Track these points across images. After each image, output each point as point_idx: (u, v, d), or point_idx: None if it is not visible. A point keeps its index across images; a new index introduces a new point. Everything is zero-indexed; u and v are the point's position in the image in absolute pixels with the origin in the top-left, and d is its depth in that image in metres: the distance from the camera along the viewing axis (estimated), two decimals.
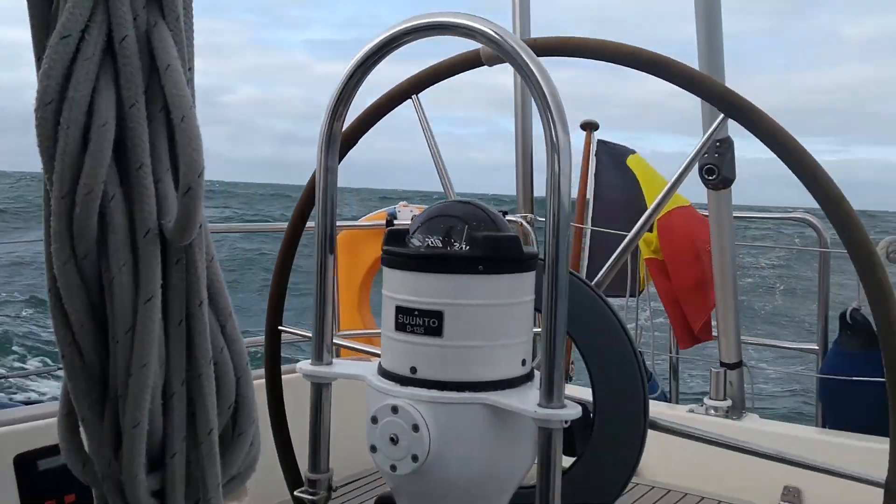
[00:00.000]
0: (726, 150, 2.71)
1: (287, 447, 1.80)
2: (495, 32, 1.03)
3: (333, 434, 1.25)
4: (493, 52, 1.41)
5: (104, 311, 0.72)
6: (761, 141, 1.22)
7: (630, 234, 1.42)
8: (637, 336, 3.62)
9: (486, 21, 1.05)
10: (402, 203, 4.37)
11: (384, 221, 4.10)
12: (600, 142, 4.10)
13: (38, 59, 0.70)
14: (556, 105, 0.99)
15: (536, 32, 3.16)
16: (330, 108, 1.18)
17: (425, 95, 1.59)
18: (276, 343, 1.79)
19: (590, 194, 3.98)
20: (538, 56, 1.01)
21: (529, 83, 1.00)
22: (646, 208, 3.67)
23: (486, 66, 1.50)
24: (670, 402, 3.58)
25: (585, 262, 3.82)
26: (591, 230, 3.90)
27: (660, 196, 1.41)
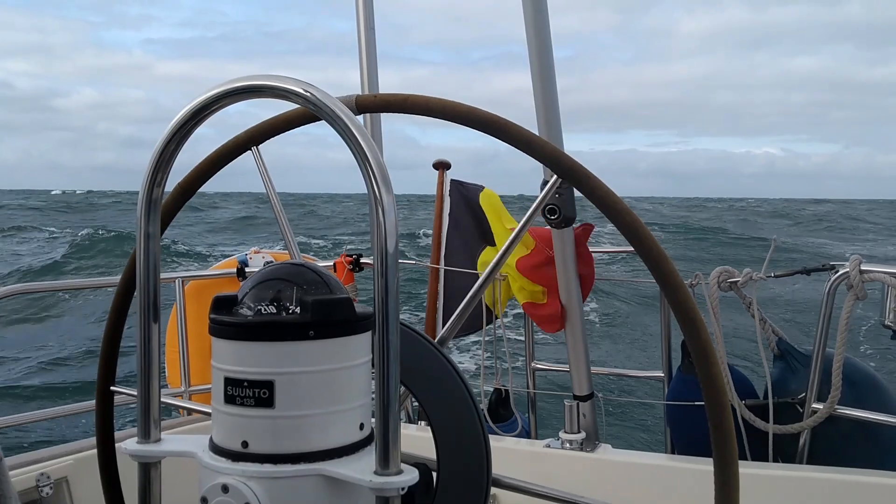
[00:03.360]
0: (566, 191, 2.84)
1: None
2: (310, 93, 1.02)
3: None
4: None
5: None
6: (591, 201, 1.28)
7: (474, 288, 1.43)
8: (497, 372, 3.68)
9: (302, 82, 1.03)
10: (253, 249, 4.26)
11: (234, 270, 3.98)
12: (453, 181, 4.19)
13: None
14: (377, 162, 0.98)
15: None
16: (148, 176, 1.13)
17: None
18: (109, 406, 1.63)
19: (444, 233, 4.04)
20: (377, 112, 1.01)
21: (349, 142, 0.99)
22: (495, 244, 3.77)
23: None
24: (529, 437, 3.66)
25: (441, 303, 3.86)
26: (445, 270, 3.96)
27: (502, 249, 1.44)
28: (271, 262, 4.00)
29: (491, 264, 1.43)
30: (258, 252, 4.20)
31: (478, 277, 3.38)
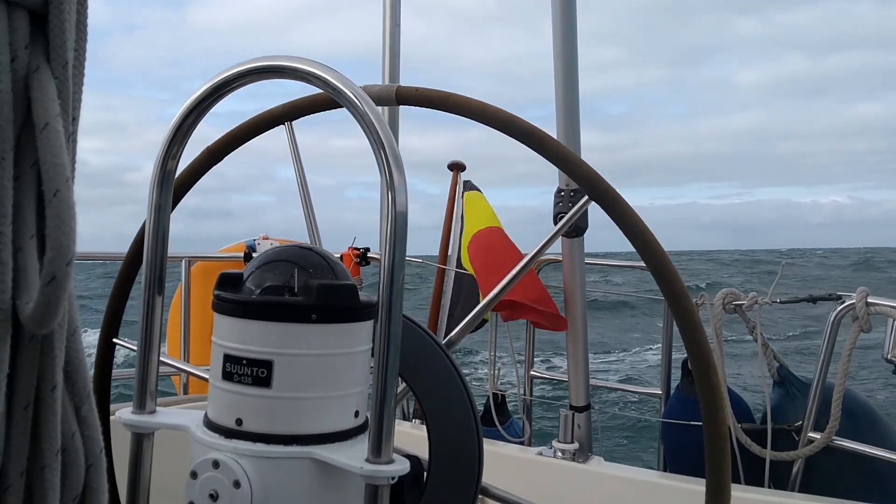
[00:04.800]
0: (578, 201, 2.85)
1: (114, 498, 1.66)
2: (328, 76, 1.02)
3: (163, 489, 1.18)
4: (377, 93, 1.41)
5: None
6: (618, 225, 1.28)
7: (486, 300, 1.44)
8: (495, 376, 3.68)
9: (321, 65, 1.03)
10: (261, 235, 4.26)
11: (242, 254, 3.99)
12: (466, 182, 4.19)
13: None
14: (391, 148, 0.98)
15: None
16: (164, 147, 1.14)
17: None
18: (109, 360, 1.62)
19: (454, 235, 4.03)
20: (416, 105, 1.01)
21: (364, 126, 0.99)
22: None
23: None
24: (524, 444, 3.66)
25: (448, 304, 3.86)
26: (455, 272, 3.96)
27: (522, 262, 1.44)
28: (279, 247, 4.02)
29: (503, 282, 1.43)
30: (266, 238, 4.21)
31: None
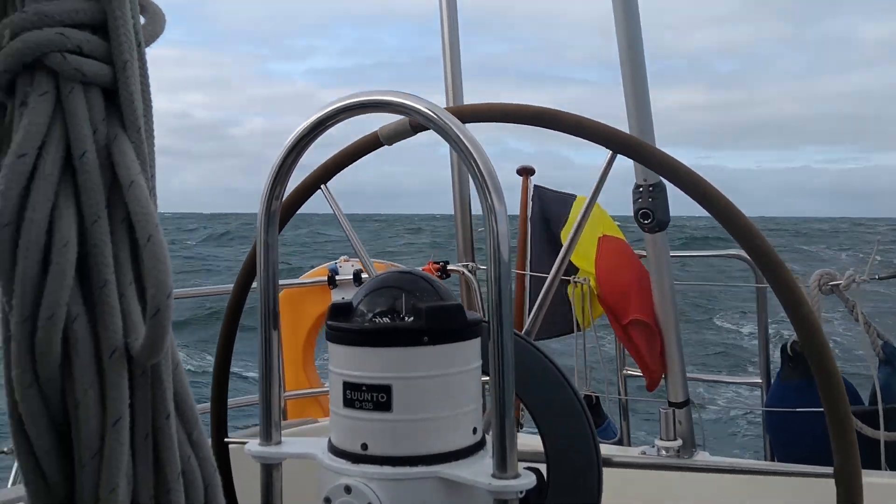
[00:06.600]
0: (659, 195, 2.80)
1: None
2: (428, 108, 1.06)
3: None
4: (392, 131, 1.47)
5: (69, 435, 0.69)
6: (727, 230, 1.30)
7: (549, 277, 1.46)
8: (587, 378, 3.64)
9: (414, 97, 1.08)
10: (343, 257, 4.33)
11: (325, 278, 4.05)
12: (536, 187, 4.17)
13: None
14: (489, 173, 1.01)
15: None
16: (267, 189, 1.19)
17: None
18: (224, 391, 1.71)
19: (529, 239, 4.03)
20: (464, 122, 1.05)
21: (462, 155, 1.03)
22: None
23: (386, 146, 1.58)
24: (623, 444, 3.61)
25: (527, 308, 3.85)
26: (531, 275, 3.95)
27: (570, 235, 1.48)
28: (360, 270, 4.07)
29: (559, 256, 1.46)
30: (347, 261, 4.27)
31: (564, 286, 3.34)
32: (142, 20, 0.76)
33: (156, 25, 0.79)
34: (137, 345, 0.68)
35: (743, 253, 3.57)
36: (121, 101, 0.71)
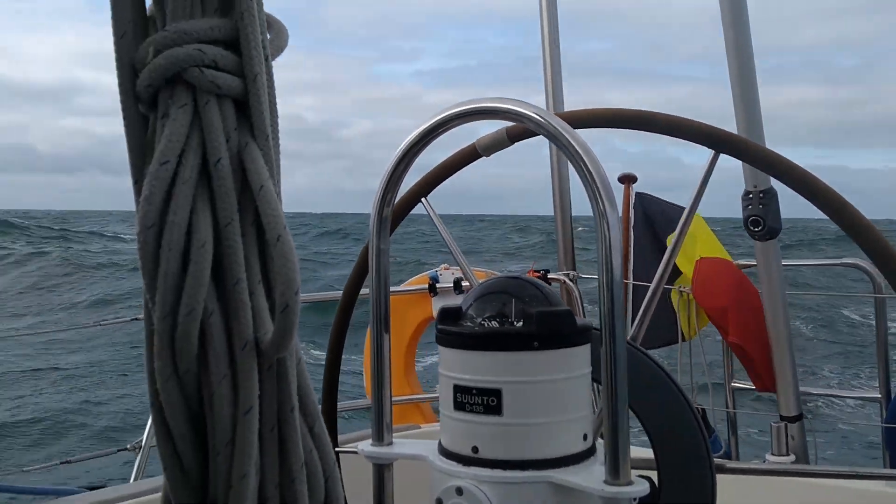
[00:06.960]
0: (770, 201, 2.71)
1: None
2: (539, 115, 1.07)
3: None
4: (490, 142, 1.49)
5: (204, 424, 0.74)
6: (845, 230, 1.27)
7: (653, 284, 1.44)
8: (693, 390, 3.56)
9: (527, 104, 1.09)
10: (443, 266, 4.38)
11: (427, 286, 4.11)
12: (638, 194, 4.13)
13: (136, 183, 0.73)
14: (601, 179, 1.01)
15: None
16: (379, 195, 1.22)
17: None
18: (334, 391, 1.78)
19: (631, 247, 3.98)
20: (573, 128, 1.05)
21: (574, 161, 1.03)
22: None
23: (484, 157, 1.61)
24: (731, 458, 3.50)
25: (630, 317, 3.80)
26: (634, 284, 3.89)
27: (674, 240, 1.44)
28: (460, 278, 4.11)
29: (662, 263, 1.43)
30: (448, 269, 4.31)
31: (667, 294, 3.27)
32: (268, 36, 0.81)
33: (280, 40, 0.84)
34: (267, 339, 0.72)
35: (860, 261, 3.43)
36: (251, 111, 0.76)
